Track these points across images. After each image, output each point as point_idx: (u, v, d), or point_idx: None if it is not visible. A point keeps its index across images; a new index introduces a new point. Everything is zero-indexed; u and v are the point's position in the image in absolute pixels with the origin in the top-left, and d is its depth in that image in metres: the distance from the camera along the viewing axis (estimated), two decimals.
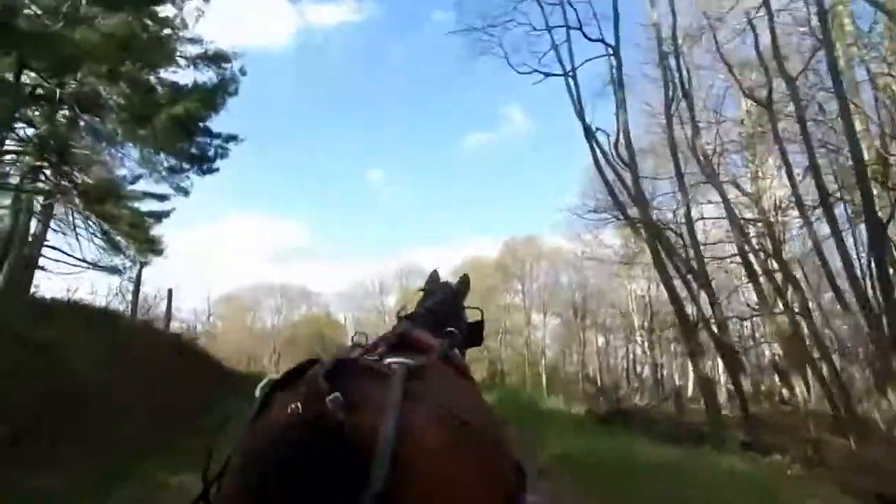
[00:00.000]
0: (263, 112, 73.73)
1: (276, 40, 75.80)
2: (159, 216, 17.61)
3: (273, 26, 76.04)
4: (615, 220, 20.34)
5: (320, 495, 0.78)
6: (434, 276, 2.31)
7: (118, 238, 16.70)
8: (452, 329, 1.66)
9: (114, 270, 16.93)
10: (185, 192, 16.73)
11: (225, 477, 0.96)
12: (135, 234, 16.84)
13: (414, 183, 72.24)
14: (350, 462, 0.79)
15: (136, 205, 16.37)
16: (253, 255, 70.89)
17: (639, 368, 34.33)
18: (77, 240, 15.27)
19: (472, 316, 2.14)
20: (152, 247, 17.61)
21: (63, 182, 13.55)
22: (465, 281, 2.22)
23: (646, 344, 33.57)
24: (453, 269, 43.61)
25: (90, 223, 15.69)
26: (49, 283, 14.90)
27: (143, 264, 16.58)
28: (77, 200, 13.78)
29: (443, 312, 1.85)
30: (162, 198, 17.47)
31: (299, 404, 0.84)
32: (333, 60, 75.82)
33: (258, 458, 0.84)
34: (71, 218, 15.07)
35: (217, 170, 16.67)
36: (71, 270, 14.84)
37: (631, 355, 37.96)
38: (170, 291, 17.29)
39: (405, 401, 0.91)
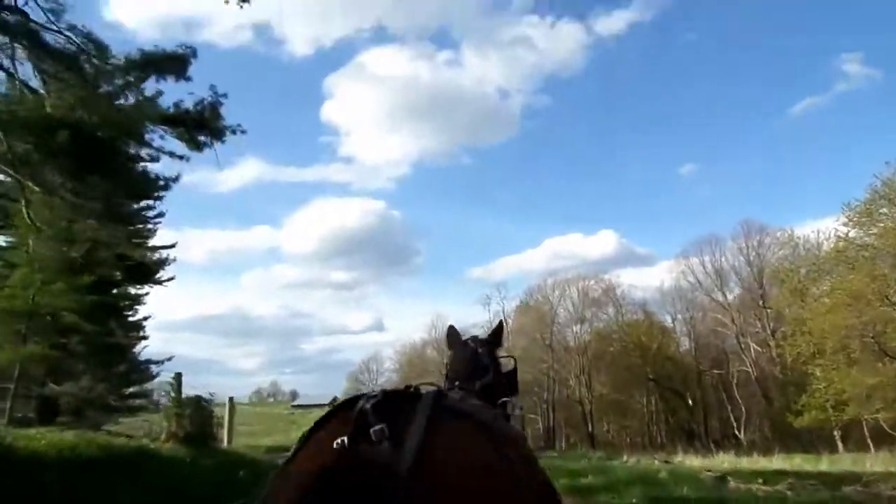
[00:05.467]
0: (565, 132, 79.69)
1: (567, 62, 79.39)
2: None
3: (562, 49, 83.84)
4: None
5: None
6: (452, 332, 2.34)
7: None
8: (507, 399, 1.85)
9: None
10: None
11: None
12: None
13: (730, 168, 69.42)
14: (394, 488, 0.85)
15: None
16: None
17: None
18: None
19: (506, 365, 2.15)
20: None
21: None
22: (499, 329, 2.30)
23: None
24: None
25: None
26: None
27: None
28: None
29: (480, 363, 2.01)
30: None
31: (345, 439, 0.92)
32: (628, 65, 78.19)
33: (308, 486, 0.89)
34: None
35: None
36: None
37: None
38: None
39: (433, 413, 1.02)
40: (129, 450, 6.04)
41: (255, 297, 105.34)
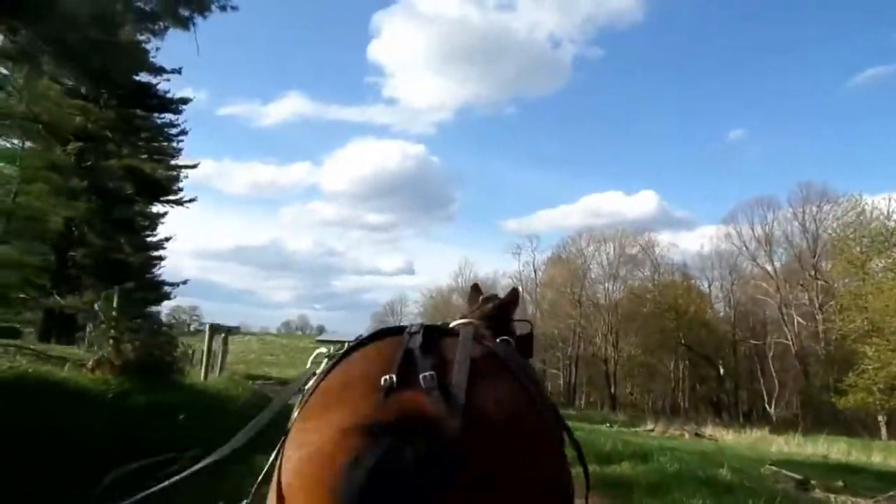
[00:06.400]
0: (614, 87, 75.19)
1: (623, 14, 73.29)
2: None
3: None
4: None
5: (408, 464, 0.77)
6: (476, 288, 2.28)
7: None
8: (507, 338, 1.67)
9: None
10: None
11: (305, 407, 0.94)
12: None
13: (781, 137, 64.48)
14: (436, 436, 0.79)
15: None
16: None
17: None
18: None
19: (521, 328, 2.14)
20: None
21: None
22: (514, 294, 2.22)
23: None
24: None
25: None
26: None
27: None
28: None
29: (496, 322, 1.90)
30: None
31: (394, 377, 0.87)
32: (685, 21, 72.21)
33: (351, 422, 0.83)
34: None
35: None
36: None
37: None
38: None
39: (475, 358, 0.95)
40: (7, 377, 4.66)
41: (292, 232, 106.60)
